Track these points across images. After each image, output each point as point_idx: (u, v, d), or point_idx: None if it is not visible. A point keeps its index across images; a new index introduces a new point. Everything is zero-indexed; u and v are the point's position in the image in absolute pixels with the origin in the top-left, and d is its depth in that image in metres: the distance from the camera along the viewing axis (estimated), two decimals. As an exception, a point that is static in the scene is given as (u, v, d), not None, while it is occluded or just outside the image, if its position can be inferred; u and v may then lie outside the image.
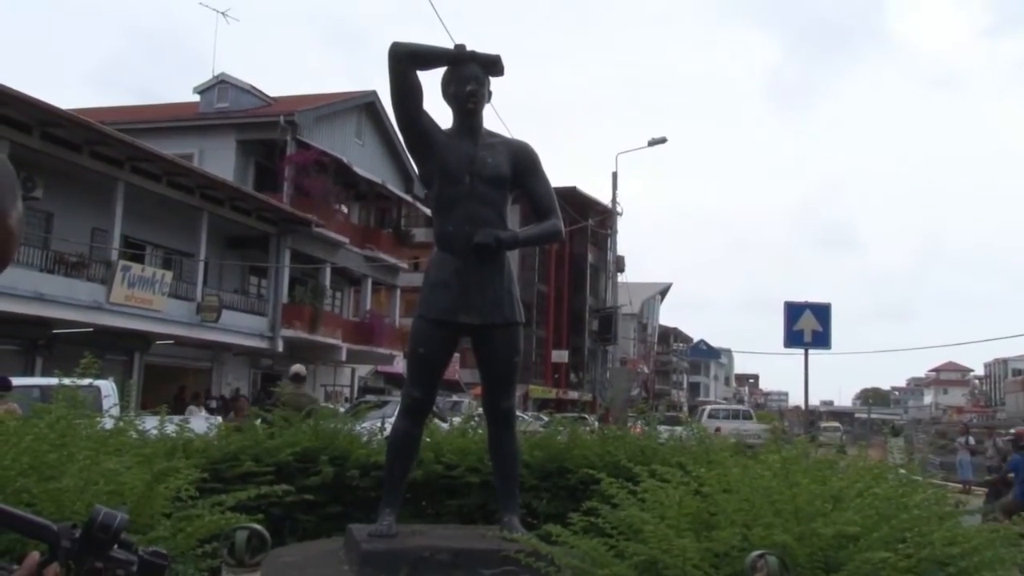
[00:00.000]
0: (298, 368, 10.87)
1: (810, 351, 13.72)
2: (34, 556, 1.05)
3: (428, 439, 6.46)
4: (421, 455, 6.00)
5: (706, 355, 47.47)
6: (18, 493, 2.50)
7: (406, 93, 4.74)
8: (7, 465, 2.60)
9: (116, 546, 1.06)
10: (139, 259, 22.59)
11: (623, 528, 3.03)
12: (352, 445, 6.10)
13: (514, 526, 4.57)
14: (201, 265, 24.71)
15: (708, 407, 42.10)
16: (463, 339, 4.97)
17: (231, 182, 25.28)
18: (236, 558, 2.07)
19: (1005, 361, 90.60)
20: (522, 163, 4.94)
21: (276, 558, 4.50)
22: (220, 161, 27.45)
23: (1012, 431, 19.45)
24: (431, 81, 4.93)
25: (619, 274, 35.64)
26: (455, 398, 23.86)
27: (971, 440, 24.64)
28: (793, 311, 13.82)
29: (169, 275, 22.64)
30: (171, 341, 23.70)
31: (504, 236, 4.71)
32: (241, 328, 26.04)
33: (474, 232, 4.66)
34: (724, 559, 2.75)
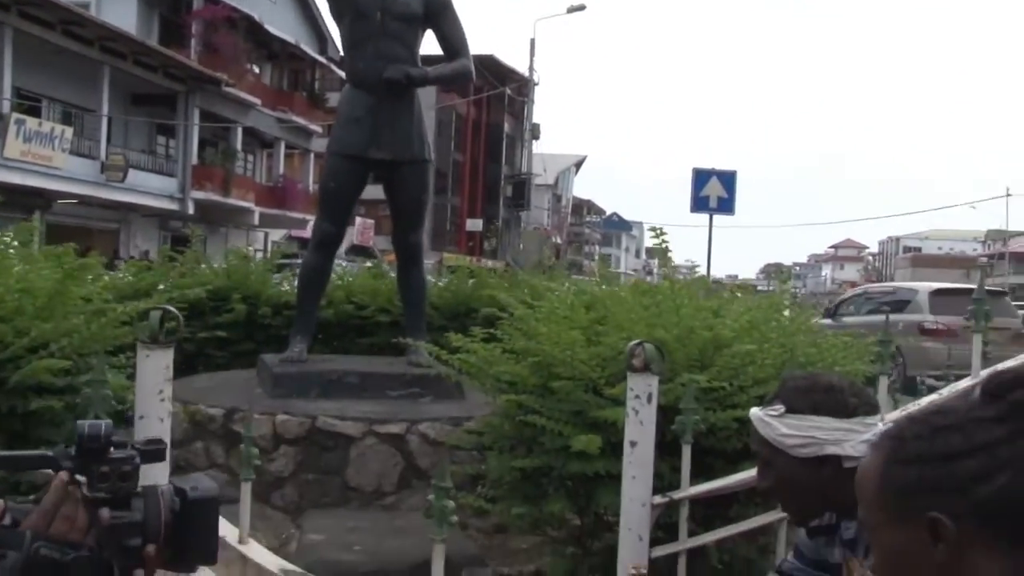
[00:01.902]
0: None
1: (715, 224, 14.16)
2: (62, 476, 1.16)
3: (340, 280, 6.62)
4: (332, 295, 6.17)
5: (618, 227, 48.14)
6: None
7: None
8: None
9: (112, 449, 1.17)
10: (35, 112, 21.59)
11: (519, 336, 3.25)
12: (264, 285, 6.21)
13: (420, 354, 4.79)
14: (104, 121, 23.77)
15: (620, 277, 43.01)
16: (372, 174, 5.06)
17: (133, 35, 24.11)
18: (150, 336, 2.20)
19: (898, 239, 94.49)
20: (434, 3, 4.95)
21: (189, 383, 4.66)
22: (120, 13, 26.00)
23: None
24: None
25: (534, 142, 35.64)
26: (368, 264, 23.87)
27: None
28: (700, 178, 14.17)
29: (69, 131, 21.74)
30: (75, 200, 22.98)
31: (414, 73, 4.77)
32: (149, 189, 25.37)
33: (384, 68, 4.70)
34: (610, 362, 2.99)
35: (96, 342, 2.61)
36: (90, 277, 3.09)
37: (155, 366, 2.20)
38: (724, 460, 2.91)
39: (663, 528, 2.80)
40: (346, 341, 6.11)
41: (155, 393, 2.20)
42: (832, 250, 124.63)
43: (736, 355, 2.90)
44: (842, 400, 2.07)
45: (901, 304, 13.50)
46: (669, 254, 3.35)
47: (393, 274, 5.75)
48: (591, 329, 3.22)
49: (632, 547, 2.49)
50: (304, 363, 4.65)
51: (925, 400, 2.63)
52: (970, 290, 17.14)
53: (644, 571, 2.49)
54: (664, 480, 2.71)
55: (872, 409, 2.11)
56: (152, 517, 1.13)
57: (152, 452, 1.23)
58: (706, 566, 3.03)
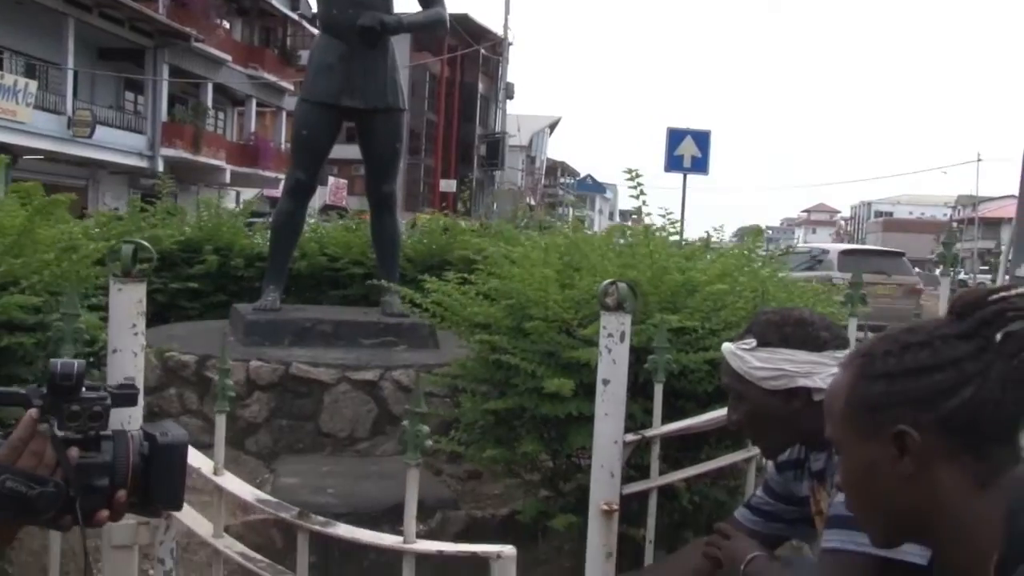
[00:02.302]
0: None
1: (690, 187, 14.17)
2: (32, 412, 1.15)
3: (313, 232, 6.59)
4: (306, 247, 6.14)
5: (592, 189, 48.00)
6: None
7: None
8: None
9: (83, 389, 1.13)
10: (-4, 65, 21.17)
11: (493, 279, 3.25)
12: (236, 236, 6.17)
13: (394, 303, 4.79)
14: (70, 76, 23.32)
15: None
16: (345, 123, 5.02)
17: (98, -14, 23.62)
18: (123, 269, 2.18)
19: (869, 204, 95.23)
20: None
21: (162, 332, 4.64)
22: (86, -37, 25.50)
23: None
24: None
25: (508, 102, 35.42)
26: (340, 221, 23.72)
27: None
28: (674, 137, 14.16)
29: (33, 84, 21.32)
30: (41, 156, 22.60)
31: (388, 19, 4.72)
32: (118, 145, 24.99)
33: (358, 16, 4.65)
34: (584, 304, 3.01)
35: (67, 279, 2.58)
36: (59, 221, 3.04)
37: (128, 299, 2.18)
38: (695, 403, 2.95)
39: (635, 468, 2.84)
40: (319, 293, 6.10)
41: (128, 327, 2.18)
42: (805, 214, 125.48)
43: (708, 297, 2.93)
44: (813, 333, 2.10)
45: (816, 262, 14.67)
46: (643, 198, 3.35)
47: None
48: (565, 273, 3.23)
49: (604, 484, 2.52)
50: (277, 311, 4.64)
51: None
52: (872, 251, 19.09)
53: (616, 507, 2.53)
54: (636, 422, 2.74)
55: (842, 343, 2.14)
56: (121, 459, 1.16)
57: (124, 396, 1.23)
58: (676, 507, 3.08)
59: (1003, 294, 1.30)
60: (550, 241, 3.64)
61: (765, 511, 2.33)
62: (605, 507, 2.51)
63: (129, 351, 2.19)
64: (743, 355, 2.13)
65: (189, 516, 2.24)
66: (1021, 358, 1.27)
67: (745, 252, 3.58)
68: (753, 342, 2.13)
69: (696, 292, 3.03)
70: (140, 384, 2.26)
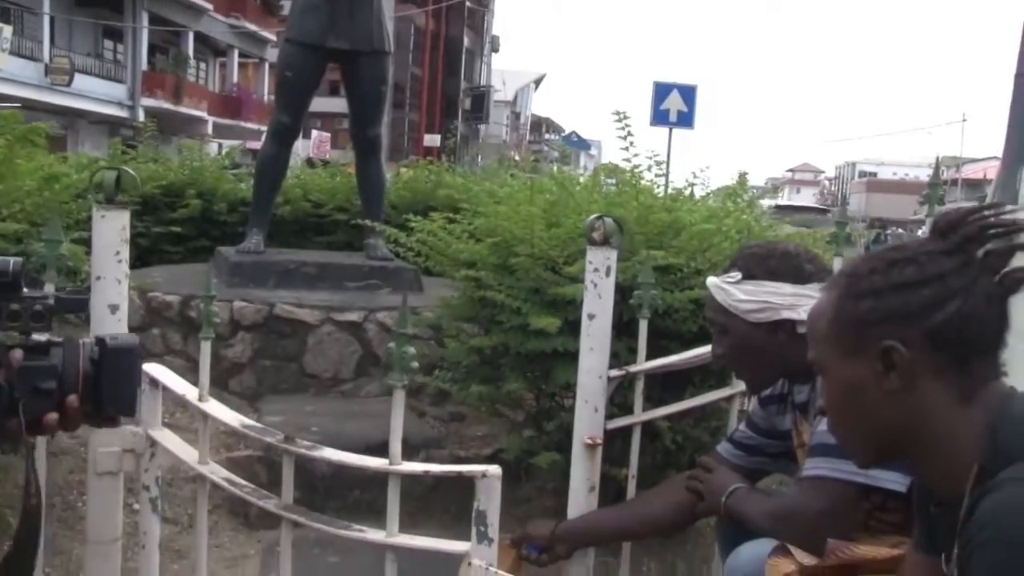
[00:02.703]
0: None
1: (675, 138, 14.12)
2: None
3: (298, 177, 6.54)
4: (290, 193, 6.10)
5: (577, 146, 47.77)
6: None
7: None
8: None
9: (24, 289, 1.11)
10: (-30, 9, 20.77)
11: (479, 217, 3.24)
12: (219, 181, 6.12)
13: (378, 247, 4.77)
14: (46, 20, 22.89)
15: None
16: (330, 64, 4.95)
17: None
18: (106, 196, 2.16)
19: (854, 164, 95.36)
20: None
21: (145, 274, 4.61)
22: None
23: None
24: None
25: (493, 55, 35.10)
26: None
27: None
28: (661, 91, 14.08)
29: (8, 29, 20.91)
30: (17, 105, 22.23)
31: None
32: (97, 94, 24.63)
33: None
34: (569, 243, 3.01)
35: (49, 208, 2.56)
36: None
37: (111, 226, 2.16)
38: (680, 343, 2.96)
39: (619, 408, 2.86)
40: (303, 240, 6.06)
41: (112, 255, 2.17)
42: (789, 174, 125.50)
43: (695, 236, 2.93)
44: (798, 266, 2.11)
45: None
46: (631, 139, 3.33)
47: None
48: (551, 212, 3.22)
49: (588, 419, 2.54)
50: (261, 254, 4.61)
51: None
52: (802, 207, 24.91)
53: (599, 441, 2.55)
54: (620, 360, 2.75)
55: (826, 276, 2.14)
56: (70, 365, 1.15)
57: (72, 300, 1.21)
58: (660, 448, 3.12)
59: (985, 213, 1.32)
60: (536, 182, 3.63)
61: (747, 445, 2.36)
62: (589, 441, 2.53)
63: (113, 278, 2.17)
64: (728, 288, 2.13)
65: (174, 443, 2.24)
66: (1004, 273, 1.29)
67: (731, 194, 3.58)
68: (738, 275, 2.14)
69: (683, 232, 3.04)
70: (124, 312, 2.25)
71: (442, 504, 3.13)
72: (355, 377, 4.01)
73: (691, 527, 3.31)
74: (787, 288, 2.07)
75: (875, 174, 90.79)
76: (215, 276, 4.65)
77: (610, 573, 3.04)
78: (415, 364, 1.68)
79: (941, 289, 1.27)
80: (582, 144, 47.99)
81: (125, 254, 2.19)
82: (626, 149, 3.55)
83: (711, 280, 2.19)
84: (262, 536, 3.17)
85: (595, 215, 2.50)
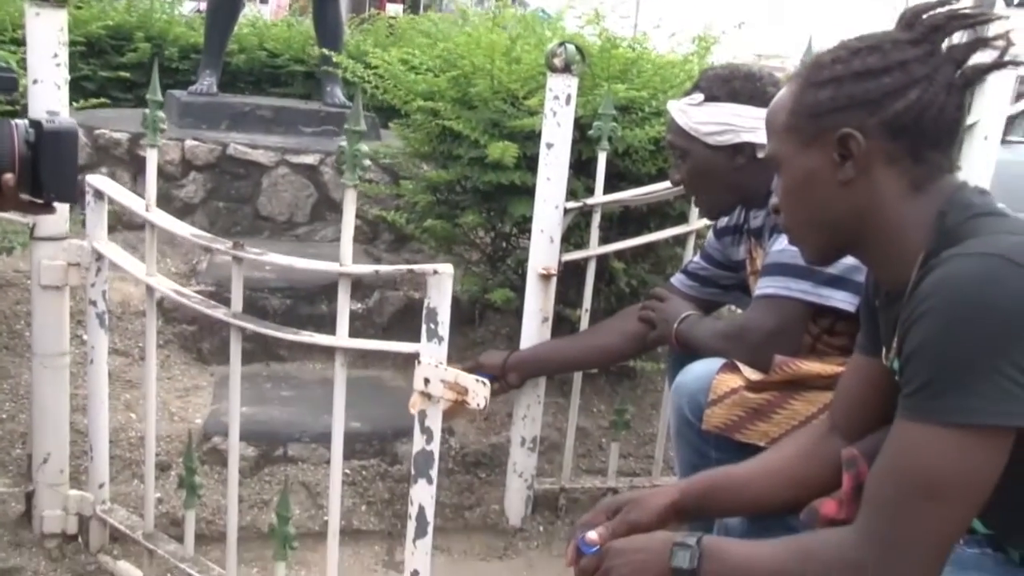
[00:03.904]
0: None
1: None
2: None
3: (252, 26, 6.31)
4: (245, 41, 5.89)
5: (543, 18, 46.63)
6: None
7: None
8: None
9: None
10: None
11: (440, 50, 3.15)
12: (170, 25, 5.87)
13: (336, 93, 4.65)
14: None
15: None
16: None
17: None
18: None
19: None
20: None
21: (92, 114, 4.45)
22: None
23: None
24: None
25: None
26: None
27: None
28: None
29: None
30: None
31: None
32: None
33: None
34: (530, 80, 2.93)
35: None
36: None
37: (47, 25, 2.05)
38: (638, 185, 2.94)
39: (575, 246, 2.85)
40: (258, 91, 5.88)
41: (50, 57, 2.06)
42: (757, 58, 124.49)
43: (658, 70, 2.87)
44: (761, 88, 2.07)
45: None
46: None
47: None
48: (512, 48, 3.12)
49: (544, 249, 2.52)
50: (214, 96, 4.47)
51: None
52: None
53: (553, 272, 2.55)
54: (578, 197, 2.72)
55: (789, 100, 2.11)
56: (5, 143, 1.14)
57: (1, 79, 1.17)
58: (614, 291, 3.13)
59: (952, 5, 1.29)
60: (499, 16, 3.51)
61: (701, 276, 2.37)
62: (543, 271, 2.53)
63: (51, 82, 2.08)
64: (689, 110, 2.10)
65: (120, 256, 2.19)
66: (966, 65, 1.27)
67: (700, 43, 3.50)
68: (700, 97, 2.10)
69: (647, 69, 2.97)
70: (66, 109, 2.17)
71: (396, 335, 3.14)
72: (310, 221, 3.95)
73: (641, 371, 3.37)
74: (749, 111, 2.04)
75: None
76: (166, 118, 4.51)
77: (560, 414, 3.10)
78: (367, 162, 1.64)
79: (903, 77, 1.25)
80: (548, 17, 47.04)
81: (64, 57, 2.09)
82: None
83: (672, 103, 2.15)
84: (215, 371, 3.17)
85: (557, 42, 2.42)
